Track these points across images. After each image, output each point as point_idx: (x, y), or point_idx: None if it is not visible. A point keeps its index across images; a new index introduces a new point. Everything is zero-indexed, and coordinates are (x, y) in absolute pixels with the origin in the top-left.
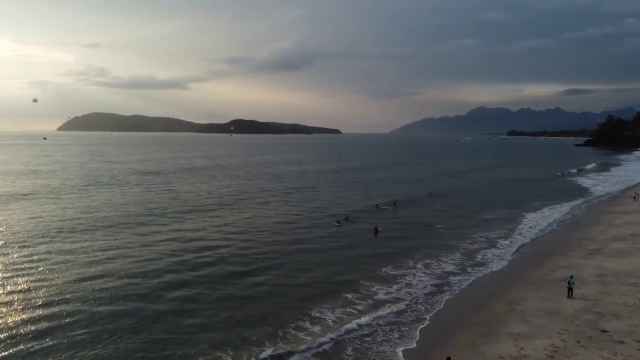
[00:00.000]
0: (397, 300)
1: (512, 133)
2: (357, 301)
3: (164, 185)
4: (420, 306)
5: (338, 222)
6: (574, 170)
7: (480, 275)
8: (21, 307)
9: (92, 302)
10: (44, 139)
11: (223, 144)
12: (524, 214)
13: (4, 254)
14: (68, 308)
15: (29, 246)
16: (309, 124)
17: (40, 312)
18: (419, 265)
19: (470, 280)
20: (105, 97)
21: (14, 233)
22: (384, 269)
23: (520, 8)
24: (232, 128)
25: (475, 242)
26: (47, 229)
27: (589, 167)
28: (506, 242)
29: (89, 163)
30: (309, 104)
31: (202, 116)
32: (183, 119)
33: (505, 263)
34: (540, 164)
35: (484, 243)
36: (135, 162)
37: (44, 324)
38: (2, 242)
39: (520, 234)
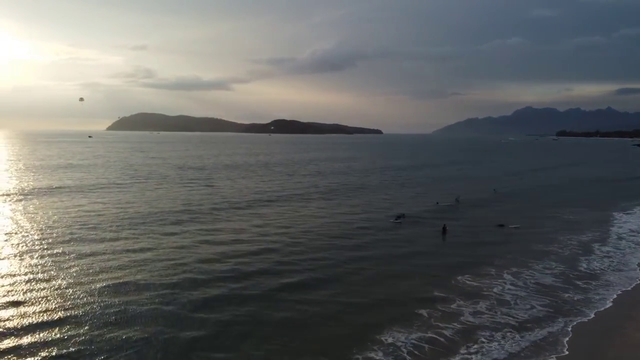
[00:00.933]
0: (495, 324)
1: (562, 133)
2: (438, 323)
3: (202, 181)
4: (534, 336)
5: (397, 219)
6: None
7: (599, 290)
8: (11, 324)
9: (104, 322)
10: (89, 137)
11: (264, 142)
12: (613, 214)
13: (11, 254)
14: (71, 332)
15: (43, 244)
16: (350, 124)
17: (34, 335)
18: (506, 275)
19: (591, 298)
20: (152, 98)
21: (30, 230)
22: (459, 278)
23: (570, 4)
24: (272, 128)
25: (565, 246)
26: (69, 225)
27: None
28: (607, 247)
29: (128, 158)
30: (350, 104)
31: (245, 116)
32: (226, 119)
33: (621, 274)
34: (606, 164)
35: (577, 248)
36: (176, 158)
37: (38, 352)
38: (15, 239)
39: (620, 237)
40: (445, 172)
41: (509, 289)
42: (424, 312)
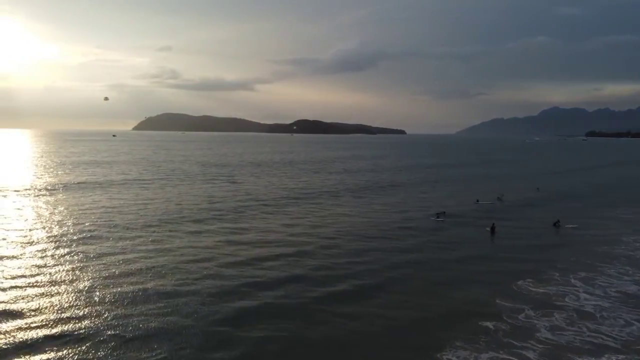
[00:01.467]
0: (587, 344)
1: (591, 134)
2: (510, 340)
3: (226, 178)
4: None
5: (438, 217)
6: None
7: None
8: (7, 335)
9: (112, 336)
10: (113, 136)
11: (287, 142)
12: None
13: (16, 253)
14: (76, 349)
15: (56, 242)
16: (373, 125)
17: (32, 350)
18: (575, 281)
19: None
20: (177, 99)
21: (44, 227)
22: (520, 284)
23: (598, 1)
24: (294, 128)
25: (635, 248)
26: (85, 223)
27: None
28: None
29: (151, 156)
30: (373, 104)
31: (268, 117)
32: (249, 119)
33: None
34: None
35: None
36: (200, 155)
37: None
38: (26, 235)
39: None
40: (477, 171)
41: (585, 298)
42: (489, 325)
